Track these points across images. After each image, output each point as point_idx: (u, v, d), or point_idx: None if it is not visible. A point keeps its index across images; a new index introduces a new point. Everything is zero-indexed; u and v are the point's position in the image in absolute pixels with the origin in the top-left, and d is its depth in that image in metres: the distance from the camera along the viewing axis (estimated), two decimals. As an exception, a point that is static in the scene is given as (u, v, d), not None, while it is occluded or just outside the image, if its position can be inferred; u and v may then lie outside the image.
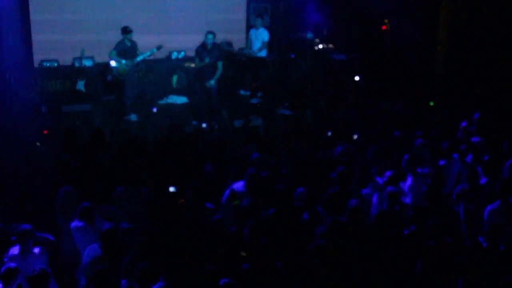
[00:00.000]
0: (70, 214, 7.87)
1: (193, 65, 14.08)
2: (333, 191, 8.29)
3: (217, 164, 9.48)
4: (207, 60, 13.35)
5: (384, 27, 17.21)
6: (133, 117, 13.53)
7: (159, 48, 13.44)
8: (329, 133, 11.36)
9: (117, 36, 13.54)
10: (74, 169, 9.39)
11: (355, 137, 10.62)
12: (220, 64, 13.45)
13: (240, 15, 16.82)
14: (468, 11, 15.66)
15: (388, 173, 8.61)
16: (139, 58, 13.37)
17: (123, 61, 13.20)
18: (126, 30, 13.24)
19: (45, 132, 11.93)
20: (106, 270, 6.43)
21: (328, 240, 7.06)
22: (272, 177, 8.78)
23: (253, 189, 8.34)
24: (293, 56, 15.50)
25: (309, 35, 15.09)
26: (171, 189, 8.06)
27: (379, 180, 8.65)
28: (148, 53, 13.45)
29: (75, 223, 7.66)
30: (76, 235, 7.63)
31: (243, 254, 6.96)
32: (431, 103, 13.68)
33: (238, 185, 8.43)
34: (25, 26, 14.57)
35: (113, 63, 13.20)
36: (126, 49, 13.25)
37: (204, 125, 12.79)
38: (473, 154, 9.64)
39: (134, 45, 13.39)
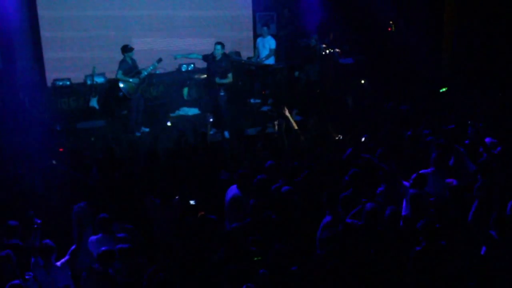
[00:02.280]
0: (85, 230, 8.02)
1: (203, 76, 14.20)
2: (346, 193, 8.36)
3: (232, 171, 9.53)
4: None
5: (389, 29, 17.30)
6: (146, 130, 13.68)
7: (159, 61, 13.55)
8: (340, 137, 11.42)
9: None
10: (87, 186, 9.52)
11: (363, 139, 10.67)
12: (230, 75, 13.43)
13: (247, 26, 16.97)
14: (473, 13, 15.70)
15: (413, 176, 8.63)
16: (144, 74, 13.51)
17: (131, 80, 13.34)
18: (127, 48, 13.39)
19: (61, 150, 12.06)
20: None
21: (340, 245, 7.13)
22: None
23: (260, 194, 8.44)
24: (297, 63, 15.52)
25: (313, 41, 15.14)
26: (192, 202, 8.11)
27: (406, 184, 8.68)
28: (151, 67, 13.59)
29: (92, 238, 7.81)
30: (94, 248, 7.75)
31: (257, 258, 7.04)
32: (443, 89, 13.72)
33: (232, 190, 8.50)
34: (36, 47, 14.82)
35: (121, 85, 13.34)
36: (129, 67, 13.40)
37: (226, 133, 12.92)
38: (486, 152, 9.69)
39: (134, 62, 13.55)
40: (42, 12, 14.75)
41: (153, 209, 8.43)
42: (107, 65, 14.95)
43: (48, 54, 14.96)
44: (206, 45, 14.11)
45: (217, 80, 13.18)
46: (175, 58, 14.09)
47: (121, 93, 13.54)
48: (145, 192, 8.66)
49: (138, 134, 13.54)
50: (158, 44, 15.43)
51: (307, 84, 15.00)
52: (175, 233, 8.16)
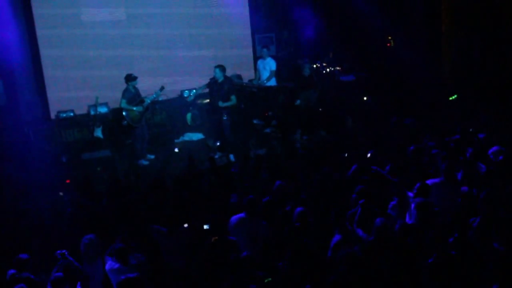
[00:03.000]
0: (95, 261, 8.02)
1: (205, 101, 14.27)
2: (353, 210, 8.37)
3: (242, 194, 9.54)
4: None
5: (388, 45, 17.39)
6: (151, 157, 13.73)
7: (162, 89, 13.60)
8: (346, 155, 11.44)
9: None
10: (97, 216, 9.55)
11: (369, 155, 10.69)
12: (233, 97, 13.42)
13: (247, 44, 17.07)
14: (471, 24, 15.78)
15: (417, 185, 8.65)
16: (147, 102, 13.57)
17: (135, 108, 13.40)
18: (131, 78, 13.43)
19: (67, 181, 12.09)
20: None
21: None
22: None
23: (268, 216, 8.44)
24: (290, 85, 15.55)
25: (307, 70, 15.10)
26: (205, 226, 8.09)
27: (410, 194, 8.68)
28: (154, 96, 13.65)
29: (110, 264, 7.79)
30: (112, 276, 7.73)
31: (267, 280, 7.02)
32: (453, 97, 13.74)
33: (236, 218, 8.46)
34: (39, 82, 14.93)
35: (125, 113, 13.41)
36: (132, 96, 13.44)
37: (231, 156, 12.93)
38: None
39: (137, 91, 13.60)
40: (44, 50, 14.85)
41: (160, 238, 8.41)
42: (109, 95, 15.10)
43: (51, 90, 15.04)
44: (205, 63, 14.13)
45: (220, 103, 13.20)
46: (189, 100, 14.45)
47: (125, 122, 13.61)
48: (150, 221, 8.65)
49: (145, 162, 13.57)
50: (159, 70, 15.50)
51: (307, 109, 15.02)
52: (185, 261, 8.16)
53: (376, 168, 9.23)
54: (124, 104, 13.35)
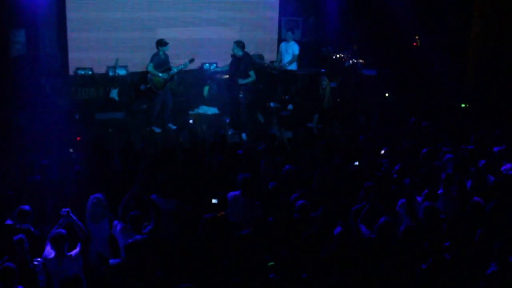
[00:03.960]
0: (100, 221, 8.02)
1: (225, 76, 14.21)
2: (359, 206, 8.33)
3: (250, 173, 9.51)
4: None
5: (414, 44, 17.25)
6: (173, 127, 13.72)
7: (191, 61, 13.62)
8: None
9: (150, 52, 13.78)
10: (106, 177, 9.55)
11: (383, 152, 10.62)
12: (252, 73, 13.38)
13: (272, 28, 16.97)
14: (500, 28, 15.62)
15: (425, 191, 8.60)
16: (174, 71, 13.53)
17: (160, 74, 13.36)
18: (162, 43, 13.41)
19: (78, 138, 12.11)
20: None
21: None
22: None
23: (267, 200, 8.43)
24: (323, 70, 15.44)
25: (328, 49, 14.99)
26: (214, 201, 8.07)
27: (418, 199, 8.64)
28: (182, 66, 13.64)
29: (121, 225, 7.84)
30: (120, 237, 7.76)
31: (270, 264, 7.01)
32: (463, 105, 13.66)
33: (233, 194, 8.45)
34: (62, 35, 14.89)
35: (150, 77, 13.39)
36: (161, 62, 13.41)
37: (243, 135, 12.90)
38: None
39: (167, 58, 13.57)
40: (70, 12, 14.88)
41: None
42: (130, 58, 15.09)
43: (73, 43, 15.03)
44: (230, 42, 14.04)
45: (240, 81, 13.17)
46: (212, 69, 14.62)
47: (147, 86, 13.59)
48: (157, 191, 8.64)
49: (157, 130, 13.54)
50: (183, 40, 15.43)
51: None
52: (186, 235, 8.15)
53: (384, 170, 9.21)
54: (150, 68, 13.33)
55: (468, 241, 7.57)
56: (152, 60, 13.41)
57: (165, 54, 13.52)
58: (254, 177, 9.03)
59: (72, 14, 14.93)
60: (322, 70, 15.59)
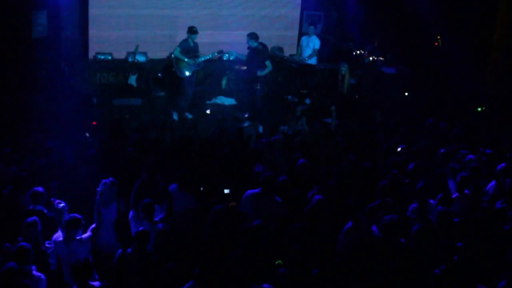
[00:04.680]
0: (110, 205, 8.04)
1: (243, 68, 14.19)
2: (374, 204, 8.28)
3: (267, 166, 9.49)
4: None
5: (436, 44, 17.11)
6: (189, 116, 13.73)
7: (220, 52, 13.67)
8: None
9: (170, 33, 13.78)
10: (119, 163, 9.57)
11: (399, 149, 10.56)
12: (268, 63, 13.42)
13: (293, 25, 16.94)
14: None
15: (439, 195, 8.53)
16: (201, 59, 13.53)
17: (186, 59, 13.34)
18: (192, 30, 13.42)
19: (94, 123, 12.14)
20: None
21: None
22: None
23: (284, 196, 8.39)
24: (344, 64, 15.31)
25: (348, 45, 14.90)
26: (226, 191, 8.05)
27: (432, 202, 8.57)
28: (210, 56, 13.68)
29: (133, 212, 7.89)
30: (132, 225, 7.80)
31: (279, 262, 7.00)
32: (479, 109, 13.58)
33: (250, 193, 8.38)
34: (83, 20, 14.93)
35: (175, 63, 13.43)
36: (189, 48, 13.41)
37: (260, 127, 12.91)
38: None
39: (196, 46, 13.56)
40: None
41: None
42: (150, 45, 15.14)
43: (94, 28, 15.08)
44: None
45: (259, 73, 13.21)
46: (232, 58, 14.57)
47: (160, 74, 13.59)
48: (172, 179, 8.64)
49: (175, 118, 13.57)
50: (204, 24, 15.43)
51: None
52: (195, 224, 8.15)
53: (396, 173, 9.14)
54: (177, 52, 13.37)
55: (482, 247, 7.51)
56: (180, 44, 13.45)
57: (194, 42, 13.52)
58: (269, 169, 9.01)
59: (94, 2, 14.99)
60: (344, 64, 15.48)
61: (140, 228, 7.21)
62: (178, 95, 13.66)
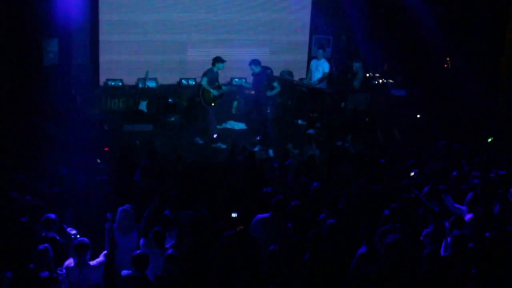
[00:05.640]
0: (129, 232, 8.04)
1: (252, 92, 14.24)
2: (385, 228, 8.23)
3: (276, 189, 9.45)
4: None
5: (445, 66, 17.12)
6: (201, 141, 13.78)
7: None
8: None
9: (180, 58, 13.86)
10: (129, 187, 9.58)
11: (413, 174, 10.50)
12: (276, 84, 13.70)
13: (303, 49, 16.98)
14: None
15: (452, 218, 8.46)
16: (224, 90, 13.78)
17: (212, 91, 13.51)
18: (220, 60, 13.60)
19: (106, 149, 12.19)
20: None
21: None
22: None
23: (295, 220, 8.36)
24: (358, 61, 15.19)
25: (355, 65, 14.90)
26: (233, 215, 8.03)
27: (446, 224, 8.50)
28: (229, 88, 14.15)
29: (143, 239, 7.86)
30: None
31: None
32: (490, 139, 13.53)
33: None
34: (94, 46, 15.08)
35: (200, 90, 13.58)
36: (214, 78, 13.60)
37: (270, 152, 12.90)
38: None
39: (217, 75, 13.78)
40: (103, 14, 15.05)
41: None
42: (160, 70, 15.22)
43: (104, 54, 15.22)
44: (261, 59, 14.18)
45: (268, 93, 13.52)
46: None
47: (171, 100, 13.68)
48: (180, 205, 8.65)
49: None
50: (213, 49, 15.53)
51: (354, 113, 14.83)
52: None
53: (418, 193, 9.08)
54: (204, 83, 13.51)
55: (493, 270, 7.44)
56: (206, 75, 13.59)
57: (217, 72, 13.69)
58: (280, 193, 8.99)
59: (104, 29, 15.13)
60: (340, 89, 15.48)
61: (137, 252, 7.20)
62: (213, 122, 13.80)
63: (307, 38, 16.93)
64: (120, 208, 8.09)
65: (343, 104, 14.81)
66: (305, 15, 16.81)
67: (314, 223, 8.45)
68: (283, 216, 8.22)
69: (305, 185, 9.62)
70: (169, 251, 7.34)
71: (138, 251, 7.26)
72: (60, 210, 8.46)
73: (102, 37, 15.12)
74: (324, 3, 16.98)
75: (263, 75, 13.59)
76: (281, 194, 8.70)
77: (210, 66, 13.71)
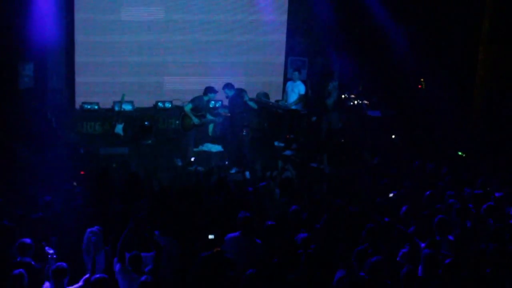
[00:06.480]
0: (95, 255, 7.97)
1: (229, 114, 14.30)
2: (361, 248, 8.27)
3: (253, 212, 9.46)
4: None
5: (419, 86, 17.33)
6: (179, 163, 13.75)
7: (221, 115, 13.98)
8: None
9: (156, 80, 13.88)
10: (106, 211, 9.53)
11: (391, 195, 10.58)
12: (251, 103, 13.87)
13: (278, 71, 17.13)
14: (505, 75, 15.68)
15: (427, 240, 8.52)
16: (207, 119, 13.81)
17: (193, 118, 13.46)
18: (212, 90, 13.64)
19: (82, 172, 12.13)
20: None
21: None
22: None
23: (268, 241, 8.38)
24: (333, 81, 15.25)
25: (330, 85, 14.99)
26: (210, 236, 8.01)
27: (422, 245, 8.55)
28: (215, 119, 14.03)
29: (119, 264, 7.74)
30: (119, 278, 7.65)
31: None
32: (460, 153, 13.71)
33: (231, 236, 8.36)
34: (69, 69, 15.09)
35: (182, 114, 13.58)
36: (200, 107, 13.56)
37: (247, 174, 12.95)
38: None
39: (207, 105, 13.86)
40: (79, 36, 15.08)
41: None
42: (136, 93, 15.24)
43: (80, 77, 15.22)
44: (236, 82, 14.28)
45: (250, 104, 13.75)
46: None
47: (147, 122, 13.70)
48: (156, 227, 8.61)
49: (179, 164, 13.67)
50: (189, 82, 15.59)
51: (329, 132, 14.93)
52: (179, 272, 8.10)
53: (388, 221, 9.17)
54: (187, 108, 13.46)
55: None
56: (193, 101, 13.55)
57: (208, 101, 13.74)
58: (256, 216, 8.99)
59: (80, 57, 15.17)
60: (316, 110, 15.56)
61: (95, 276, 7.11)
62: (190, 145, 13.75)
63: (282, 59, 17.07)
64: (88, 230, 8.04)
65: (314, 118, 14.80)
66: (280, 37, 16.97)
67: (291, 243, 8.48)
68: (252, 234, 8.24)
69: (283, 207, 9.66)
70: (143, 277, 7.24)
71: (96, 276, 7.17)
72: (43, 235, 8.38)
73: (77, 58, 15.13)
74: (299, 25, 17.15)
75: (238, 98, 13.63)
76: (257, 217, 8.74)
77: (186, 88, 13.79)
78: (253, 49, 16.70)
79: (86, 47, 15.17)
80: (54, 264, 7.55)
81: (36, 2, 13.95)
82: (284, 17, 16.97)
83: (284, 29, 16.97)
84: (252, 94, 14.89)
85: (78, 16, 15.01)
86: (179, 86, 14.63)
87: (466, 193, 10.78)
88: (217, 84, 14.28)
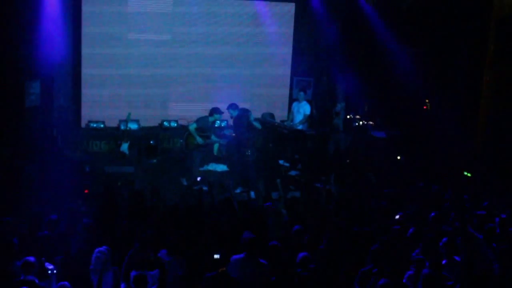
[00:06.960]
0: (105, 274, 7.97)
1: (234, 134, 14.33)
2: (365, 269, 8.25)
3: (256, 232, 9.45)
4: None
5: (424, 108, 17.35)
6: (184, 181, 13.76)
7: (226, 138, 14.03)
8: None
9: (164, 92, 14.22)
10: (113, 232, 9.52)
11: (397, 217, 10.54)
12: (256, 123, 13.88)
13: (284, 89, 17.17)
14: (509, 96, 15.69)
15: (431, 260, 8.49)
16: (211, 140, 13.81)
17: (198, 138, 13.47)
18: (218, 111, 13.64)
19: (86, 191, 12.14)
20: None
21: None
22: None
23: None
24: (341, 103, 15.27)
25: (338, 106, 15.05)
26: (216, 256, 8.00)
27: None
28: (221, 140, 14.06)
29: (124, 285, 7.75)
30: None
31: None
32: (467, 173, 13.68)
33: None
34: (76, 87, 15.15)
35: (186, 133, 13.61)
36: (206, 128, 13.59)
37: (252, 193, 12.95)
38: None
39: (213, 125, 13.89)
40: (85, 49, 15.25)
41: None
42: (142, 113, 15.28)
43: (86, 89, 15.39)
44: (241, 97, 14.39)
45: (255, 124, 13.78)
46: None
47: (152, 141, 13.69)
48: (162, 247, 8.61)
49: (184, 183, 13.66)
50: (196, 98, 15.65)
51: (336, 153, 14.96)
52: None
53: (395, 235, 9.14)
54: (192, 128, 13.48)
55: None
56: (198, 121, 13.59)
57: (214, 122, 13.79)
58: (261, 236, 8.97)
59: (87, 69, 15.30)
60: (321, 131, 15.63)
61: None
62: (196, 164, 13.76)
63: (288, 73, 17.24)
64: (95, 250, 8.04)
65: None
66: (287, 52, 17.20)
67: (293, 263, 8.46)
68: (257, 255, 8.21)
69: (287, 227, 9.64)
70: None
71: None
72: (48, 254, 8.38)
73: (84, 70, 15.28)
74: (304, 46, 17.23)
75: (243, 118, 13.67)
76: (261, 236, 8.72)
77: (193, 104, 13.85)
78: (258, 62, 16.80)
79: (93, 59, 15.31)
80: (54, 279, 7.55)
81: (43, 20, 14.06)
82: (290, 31, 17.17)
83: (290, 46, 17.15)
84: (257, 114, 14.90)
85: (85, 30, 15.17)
86: (185, 105, 14.66)
87: (470, 215, 10.73)
88: (221, 96, 14.38)
